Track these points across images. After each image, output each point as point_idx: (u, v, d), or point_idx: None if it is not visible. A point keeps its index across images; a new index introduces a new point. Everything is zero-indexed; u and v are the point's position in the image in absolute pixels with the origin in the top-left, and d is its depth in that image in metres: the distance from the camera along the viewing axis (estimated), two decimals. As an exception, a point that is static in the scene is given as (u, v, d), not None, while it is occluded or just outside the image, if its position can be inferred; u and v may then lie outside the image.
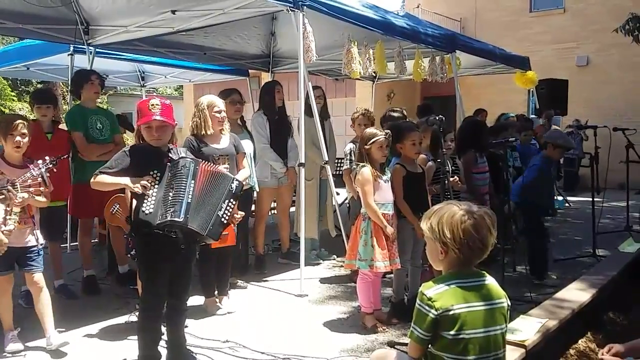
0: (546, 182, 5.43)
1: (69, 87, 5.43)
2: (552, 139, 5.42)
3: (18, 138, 3.49)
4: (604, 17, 13.63)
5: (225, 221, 3.11)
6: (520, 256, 5.30)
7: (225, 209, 3.09)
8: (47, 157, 3.40)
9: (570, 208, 9.75)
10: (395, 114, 5.69)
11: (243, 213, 3.48)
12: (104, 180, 3.03)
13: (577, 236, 7.14)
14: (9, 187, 2.86)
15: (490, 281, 2.20)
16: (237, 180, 3.23)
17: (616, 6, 13.06)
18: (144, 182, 2.94)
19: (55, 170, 3.45)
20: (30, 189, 3.00)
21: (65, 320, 3.79)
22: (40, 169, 3.33)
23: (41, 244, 3.63)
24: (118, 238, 4.99)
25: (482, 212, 2.12)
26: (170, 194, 2.97)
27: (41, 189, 3.07)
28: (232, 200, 3.15)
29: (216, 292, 4.40)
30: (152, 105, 3.05)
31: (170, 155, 3.13)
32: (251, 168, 4.89)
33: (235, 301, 4.50)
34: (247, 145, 4.80)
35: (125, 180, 2.99)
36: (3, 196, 2.86)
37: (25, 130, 3.54)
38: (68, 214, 5.33)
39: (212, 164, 3.25)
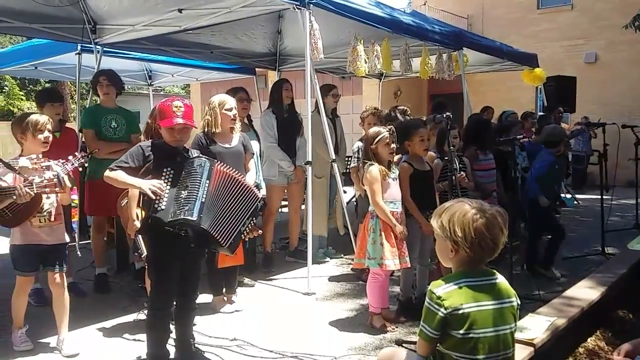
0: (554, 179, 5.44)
1: (92, 90, 5.55)
2: (556, 135, 5.43)
3: (47, 134, 3.52)
4: (612, 13, 13.55)
5: (243, 237, 3.16)
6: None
7: (248, 225, 3.13)
8: (77, 153, 3.43)
9: (579, 206, 9.70)
10: (393, 114, 5.71)
11: (261, 232, 3.54)
12: (118, 177, 3.03)
13: (586, 234, 7.10)
14: (21, 186, 2.85)
15: (501, 280, 2.18)
16: (263, 199, 3.27)
17: (624, 2, 12.96)
18: (155, 189, 2.93)
19: (80, 169, 3.49)
20: (46, 189, 2.99)
21: (74, 318, 3.80)
22: (72, 164, 3.35)
23: (68, 242, 3.66)
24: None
25: (493, 210, 2.10)
26: (184, 192, 2.97)
27: (57, 189, 3.07)
28: (254, 218, 3.19)
29: (224, 290, 4.41)
30: (176, 107, 3.06)
31: (185, 154, 3.14)
32: (257, 166, 4.90)
33: (243, 299, 4.51)
34: (253, 145, 4.81)
35: (140, 183, 2.99)
36: (15, 197, 2.86)
37: (50, 127, 3.58)
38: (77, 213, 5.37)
39: (228, 166, 3.23)
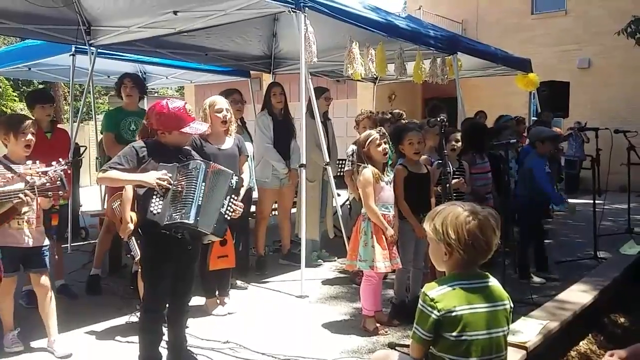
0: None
1: (115, 91, 5.58)
2: (537, 136, 5.46)
3: (29, 137, 3.50)
4: (605, 19, 13.62)
5: (228, 217, 3.10)
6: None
7: (227, 205, 3.08)
8: (60, 159, 3.39)
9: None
10: (385, 116, 5.75)
11: (242, 204, 3.44)
12: (115, 176, 2.97)
13: (578, 238, 7.14)
14: (26, 191, 2.80)
15: (494, 283, 2.19)
16: (235, 175, 3.22)
17: (618, 9, 13.05)
18: (162, 182, 2.90)
19: (70, 171, 3.45)
20: (49, 193, 2.95)
21: (67, 321, 3.79)
22: (55, 170, 3.32)
23: (47, 244, 3.63)
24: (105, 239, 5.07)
25: (486, 212, 2.11)
26: (180, 195, 2.95)
27: (60, 192, 3.03)
28: (233, 196, 3.14)
29: (217, 293, 4.40)
30: (189, 110, 3.11)
31: (179, 155, 3.13)
32: (250, 168, 4.90)
33: (235, 302, 4.50)
34: (247, 146, 4.81)
35: (142, 177, 2.95)
36: (19, 200, 2.81)
37: (34, 130, 3.56)
38: (70, 214, 5.35)
39: (215, 164, 3.23)
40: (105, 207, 5.11)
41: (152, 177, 2.93)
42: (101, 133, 5.33)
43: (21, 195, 2.73)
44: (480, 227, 2.06)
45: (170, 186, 2.93)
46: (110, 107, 17.17)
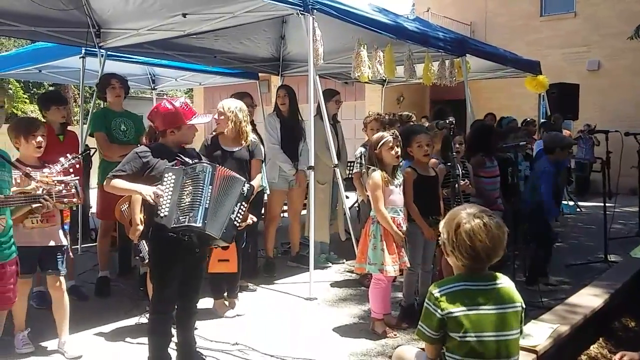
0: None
1: (97, 92, 5.56)
2: (556, 142, 5.43)
3: (40, 139, 3.53)
4: (614, 21, 13.56)
5: (237, 224, 3.11)
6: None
7: (238, 212, 3.09)
8: (68, 155, 3.41)
9: (581, 213, 9.68)
10: (393, 118, 5.76)
11: (255, 218, 3.46)
12: (118, 185, 3.05)
13: (588, 241, 7.08)
14: (46, 197, 2.84)
15: (504, 285, 2.18)
16: (248, 183, 3.23)
17: (626, 10, 13.00)
18: (156, 194, 2.94)
19: (78, 166, 3.46)
20: (65, 200, 2.98)
21: (77, 321, 3.80)
22: (63, 165, 3.34)
23: (66, 245, 3.65)
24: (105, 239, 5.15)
25: (486, 220, 2.11)
26: (187, 198, 2.95)
27: (74, 200, 3.06)
28: (244, 203, 3.14)
29: (225, 295, 4.40)
30: (187, 105, 3.17)
31: (182, 157, 3.13)
32: (263, 170, 4.91)
33: (244, 304, 4.51)
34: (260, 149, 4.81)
35: (140, 188, 3.00)
36: (40, 204, 2.84)
37: (44, 132, 3.60)
38: (79, 215, 5.38)
39: (227, 169, 3.23)
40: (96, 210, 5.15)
41: (147, 189, 2.97)
42: (91, 135, 5.25)
43: (42, 200, 2.75)
44: (469, 232, 2.08)
45: (163, 200, 2.94)
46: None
